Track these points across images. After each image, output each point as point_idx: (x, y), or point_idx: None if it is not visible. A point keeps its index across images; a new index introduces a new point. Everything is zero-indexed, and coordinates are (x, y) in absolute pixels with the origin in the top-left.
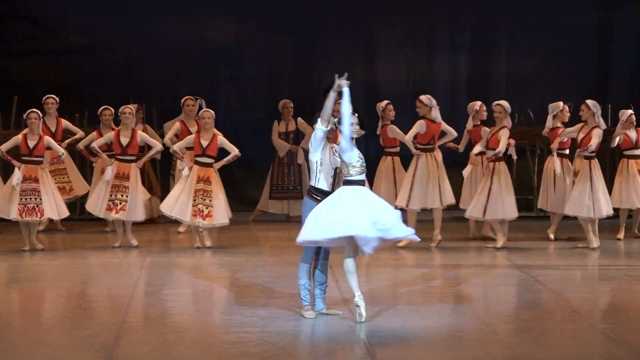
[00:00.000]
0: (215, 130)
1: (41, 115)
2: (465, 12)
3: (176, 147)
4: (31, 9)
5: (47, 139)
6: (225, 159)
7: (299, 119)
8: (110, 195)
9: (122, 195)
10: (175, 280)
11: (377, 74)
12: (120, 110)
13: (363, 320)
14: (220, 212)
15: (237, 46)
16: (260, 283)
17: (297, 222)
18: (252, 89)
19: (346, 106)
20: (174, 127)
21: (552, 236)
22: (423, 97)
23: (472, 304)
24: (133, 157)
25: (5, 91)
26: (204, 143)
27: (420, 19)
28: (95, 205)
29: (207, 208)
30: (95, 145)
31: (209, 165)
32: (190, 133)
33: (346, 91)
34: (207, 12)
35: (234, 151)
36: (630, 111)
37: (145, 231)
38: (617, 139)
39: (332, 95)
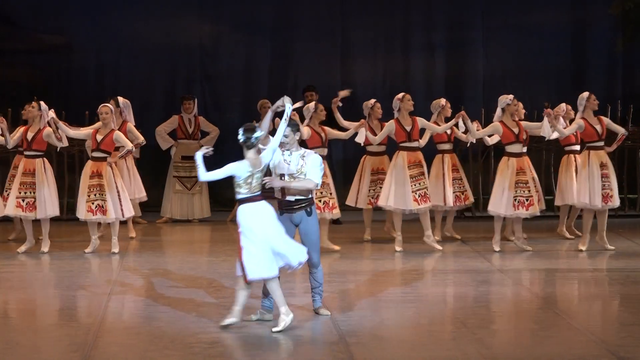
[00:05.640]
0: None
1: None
2: (439, 12)
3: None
4: (5, 9)
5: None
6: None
7: (277, 119)
8: (20, 193)
9: (31, 193)
10: (152, 281)
11: (353, 74)
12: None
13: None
14: (114, 207)
15: (212, 46)
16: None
17: None
18: (227, 89)
19: (283, 126)
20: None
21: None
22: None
23: (450, 304)
24: (39, 153)
25: None
26: (99, 137)
27: (395, 19)
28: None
29: (104, 203)
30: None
31: (102, 159)
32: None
33: (288, 109)
34: (181, 12)
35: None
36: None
37: (120, 232)
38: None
39: (270, 114)
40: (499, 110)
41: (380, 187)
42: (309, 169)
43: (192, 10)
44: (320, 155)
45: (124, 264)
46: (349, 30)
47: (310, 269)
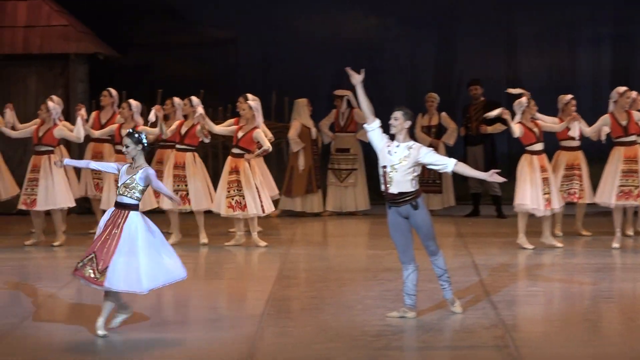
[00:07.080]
0: (260, 123)
1: (132, 106)
2: (606, 5)
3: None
4: (172, 3)
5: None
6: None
7: (443, 113)
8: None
9: (184, 186)
10: (315, 272)
11: (518, 68)
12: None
13: None
14: (254, 202)
15: (377, 40)
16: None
17: (439, 215)
18: (393, 83)
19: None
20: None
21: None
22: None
23: (616, 299)
24: (191, 147)
25: (146, 85)
26: (240, 134)
27: (561, 12)
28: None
29: (242, 199)
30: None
31: (240, 156)
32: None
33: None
34: (346, 6)
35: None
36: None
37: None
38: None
39: (358, 90)
40: None
41: (576, 183)
42: (428, 157)
43: (357, 4)
44: (537, 150)
45: (288, 257)
46: (514, 24)
47: (430, 258)
